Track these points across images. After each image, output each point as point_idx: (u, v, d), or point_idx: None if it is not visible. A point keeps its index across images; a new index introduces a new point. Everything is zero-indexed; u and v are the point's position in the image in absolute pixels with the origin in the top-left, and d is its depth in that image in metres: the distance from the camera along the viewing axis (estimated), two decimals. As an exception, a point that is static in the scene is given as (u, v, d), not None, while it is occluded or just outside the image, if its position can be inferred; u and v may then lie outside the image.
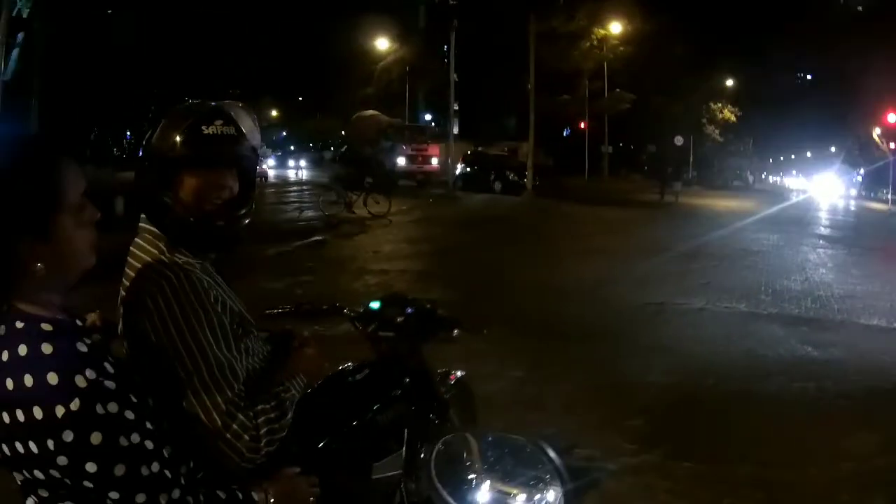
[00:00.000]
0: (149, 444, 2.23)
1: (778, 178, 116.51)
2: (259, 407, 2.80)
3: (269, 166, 63.39)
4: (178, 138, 2.89)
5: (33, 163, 2.18)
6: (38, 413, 2.08)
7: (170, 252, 2.88)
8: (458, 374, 5.05)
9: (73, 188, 2.22)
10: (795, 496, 6.64)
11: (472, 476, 3.38)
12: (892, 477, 7.10)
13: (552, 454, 3.43)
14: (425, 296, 4.69)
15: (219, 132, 2.93)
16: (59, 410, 2.07)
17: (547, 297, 15.21)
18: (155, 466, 2.24)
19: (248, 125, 3.06)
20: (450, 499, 3.17)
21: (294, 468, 2.99)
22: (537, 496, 3.32)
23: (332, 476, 3.35)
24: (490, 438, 3.67)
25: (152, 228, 2.94)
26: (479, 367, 8.16)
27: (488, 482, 3.34)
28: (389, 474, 3.93)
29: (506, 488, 3.31)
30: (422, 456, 3.48)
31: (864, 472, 7.15)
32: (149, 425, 2.26)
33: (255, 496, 2.63)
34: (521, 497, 3.28)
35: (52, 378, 2.09)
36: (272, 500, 2.71)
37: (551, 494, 3.31)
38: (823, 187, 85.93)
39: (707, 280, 18.36)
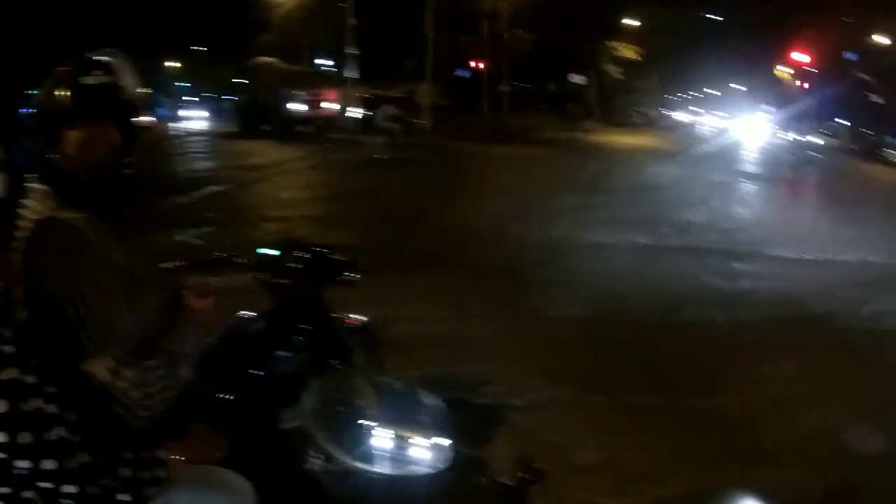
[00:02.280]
0: (51, 409, 2.23)
1: (683, 115, 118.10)
2: (149, 363, 2.70)
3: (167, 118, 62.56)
4: (57, 92, 2.86)
5: None
6: None
7: (59, 209, 2.81)
8: (361, 318, 4.98)
9: None
10: (715, 423, 6.68)
11: (364, 420, 3.32)
12: (812, 403, 7.19)
13: (439, 401, 3.40)
14: (325, 241, 4.57)
15: (97, 82, 2.87)
16: None
17: (450, 237, 15.20)
18: (60, 431, 2.25)
19: (126, 74, 2.99)
20: (327, 444, 3.13)
21: (201, 425, 3.11)
22: (435, 442, 3.26)
23: (240, 429, 3.42)
24: (376, 381, 3.62)
25: (41, 187, 2.88)
26: (385, 309, 8.09)
27: (373, 426, 3.29)
28: (298, 424, 3.86)
29: (401, 434, 3.25)
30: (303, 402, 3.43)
31: (782, 398, 7.25)
32: (51, 389, 2.25)
33: (163, 455, 2.67)
34: (419, 443, 3.22)
35: None
36: (181, 459, 2.79)
37: (436, 438, 3.27)
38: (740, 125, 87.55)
39: (608, 214, 18.47)
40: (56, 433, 2.22)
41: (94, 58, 2.97)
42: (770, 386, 7.58)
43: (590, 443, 6.23)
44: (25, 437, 2.14)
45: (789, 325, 9.76)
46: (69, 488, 2.27)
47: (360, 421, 3.27)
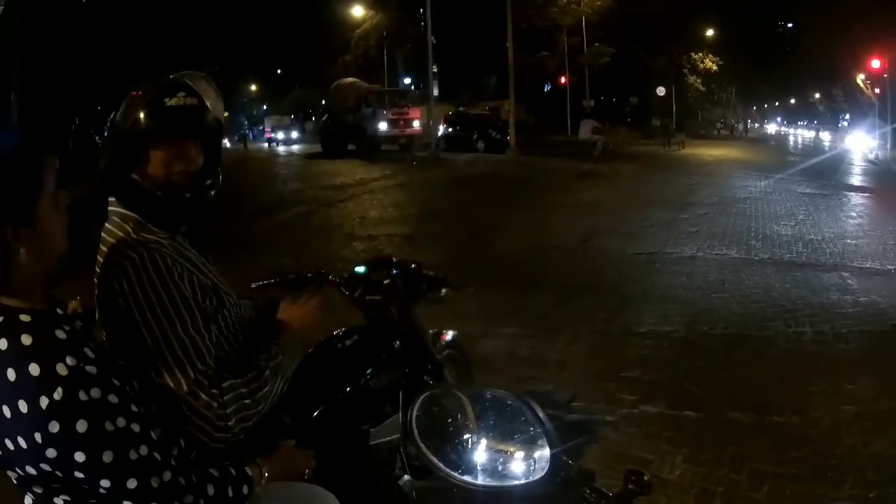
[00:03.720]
0: (135, 428, 2.20)
1: (762, 126, 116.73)
2: (227, 384, 2.72)
3: (252, 140, 63.35)
4: (141, 113, 2.85)
5: (15, 154, 2.22)
6: (23, 407, 2.06)
7: (136, 231, 2.84)
8: (450, 333, 5.00)
9: (50, 176, 2.25)
10: (799, 440, 6.55)
11: (458, 433, 3.32)
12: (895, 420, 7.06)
13: (538, 411, 3.38)
14: (415, 258, 4.60)
15: (181, 104, 2.88)
16: (44, 401, 2.05)
17: (537, 253, 15.24)
18: (143, 450, 2.21)
19: (210, 96, 3.01)
20: (431, 456, 3.12)
21: (289, 441, 2.98)
22: (525, 452, 3.25)
23: (329, 445, 3.32)
24: (473, 393, 3.62)
25: (120, 210, 2.90)
26: (474, 326, 8.12)
27: (475, 439, 3.29)
28: (388, 439, 3.88)
29: (493, 444, 3.25)
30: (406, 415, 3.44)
31: (866, 414, 7.09)
32: (134, 408, 2.23)
33: (250, 472, 2.62)
34: (519, 455, 3.21)
35: (34, 369, 2.06)
36: (267, 475, 2.71)
37: (541, 450, 3.25)
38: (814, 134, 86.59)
39: (696, 228, 18.35)
40: (139, 452, 2.21)
41: (179, 79, 2.98)
42: (856, 401, 7.45)
43: (677, 458, 6.19)
44: (108, 457, 2.14)
45: (876, 340, 9.56)
46: None
47: (461, 433, 3.28)
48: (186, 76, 3.01)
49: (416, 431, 3.15)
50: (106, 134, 3.00)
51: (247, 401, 2.75)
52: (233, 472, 2.56)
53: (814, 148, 69.96)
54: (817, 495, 5.64)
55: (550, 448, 3.13)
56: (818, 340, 9.50)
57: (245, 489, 2.57)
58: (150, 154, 2.88)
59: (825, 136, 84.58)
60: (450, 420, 3.35)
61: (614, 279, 12.97)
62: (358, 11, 69.59)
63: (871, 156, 51.91)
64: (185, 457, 2.48)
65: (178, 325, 2.69)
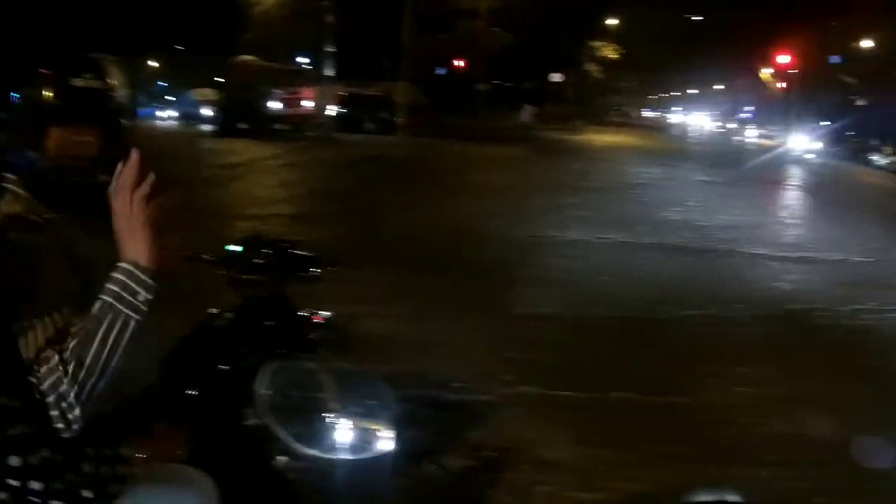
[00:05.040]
0: (14, 403, 2.16)
1: (659, 113, 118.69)
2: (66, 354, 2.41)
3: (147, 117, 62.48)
4: (45, 91, 2.83)
5: None
6: None
7: (26, 211, 2.74)
8: (326, 314, 4.96)
9: None
10: (688, 421, 6.67)
11: (315, 408, 3.32)
12: (789, 403, 7.18)
13: (386, 387, 3.43)
14: (299, 238, 4.56)
15: (86, 85, 2.85)
16: None
17: (424, 236, 15.20)
18: (24, 426, 2.16)
19: (118, 81, 2.97)
20: (282, 433, 3.13)
21: (163, 422, 2.98)
22: (383, 428, 3.29)
23: (203, 425, 3.32)
24: (325, 367, 3.63)
25: (15, 189, 2.80)
26: (359, 307, 8.08)
27: (333, 415, 3.30)
28: (259, 419, 3.85)
29: (350, 421, 3.27)
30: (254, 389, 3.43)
31: (760, 397, 7.25)
32: (11, 384, 2.18)
33: (125, 453, 2.53)
34: (367, 429, 3.25)
35: None
36: (143, 456, 2.65)
37: (385, 424, 3.31)
38: (701, 122, 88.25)
39: (586, 213, 18.53)
40: (18, 429, 2.15)
41: (85, 59, 2.95)
42: (748, 384, 7.58)
43: (558, 438, 6.21)
44: None
45: (769, 325, 9.76)
46: (35, 485, 2.18)
47: (313, 407, 3.29)
48: (97, 57, 2.99)
49: (268, 409, 3.14)
50: (14, 111, 3.00)
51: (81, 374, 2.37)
52: (108, 452, 2.46)
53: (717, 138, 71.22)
54: (706, 474, 5.64)
55: (395, 424, 3.17)
56: (707, 323, 9.75)
57: (120, 469, 2.48)
58: (51, 133, 2.81)
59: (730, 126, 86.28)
60: (303, 394, 3.36)
61: (502, 262, 12.99)
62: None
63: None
64: (60, 437, 2.34)
65: (38, 309, 2.54)
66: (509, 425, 6.43)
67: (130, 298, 2.38)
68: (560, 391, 7.23)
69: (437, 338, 8.67)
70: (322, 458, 3.13)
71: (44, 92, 2.83)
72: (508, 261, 13.08)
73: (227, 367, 3.76)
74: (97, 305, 2.40)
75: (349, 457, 3.18)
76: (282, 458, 3.88)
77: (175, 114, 64.61)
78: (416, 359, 7.77)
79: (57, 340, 2.48)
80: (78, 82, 2.84)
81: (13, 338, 2.45)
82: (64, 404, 2.38)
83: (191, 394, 3.55)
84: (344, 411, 3.24)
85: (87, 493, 2.33)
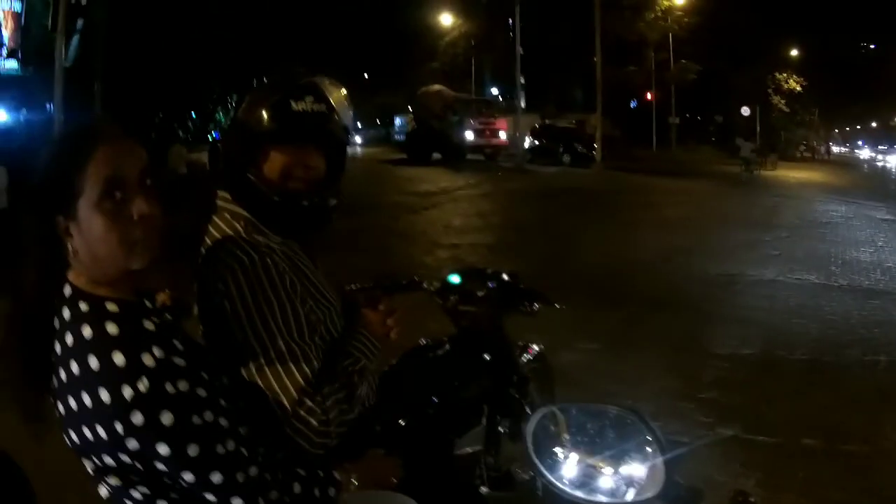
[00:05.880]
0: (223, 422, 2.19)
1: (845, 149, 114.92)
2: (326, 389, 2.66)
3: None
4: (265, 113, 2.80)
5: (65, 146, 2.16)
6: (104, 396, 2.03)
7: (247, 232, 2.78)
8: (537, 347, 5.01)
9: (96, 176, 2.12)
10: (869, 469, 6.61)
11: (560, 449, 3.37)
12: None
13: (655, 429, 3.41)
14: (504, 268, 4.64)
15: (309, 109, 2.81)
16: (127, 391, 2.02)
17: (620, 269, 15.31)
18: (230, 444, 2.20)
19: (339, 103, 2.93)
20: (547, 473, 3.16)
21: (378, 449, 2.96)
22: (623, 469, 3.31)
23: (415, 454, 3.31)
24: (574, 410, 3.64)
25: (232, 207, 2.84)
26: (555, 339, 8.17)
27: (576, 456, 3.33)
28: (469, 450, 3.94)
29: (594, 462, 3.29)
30: (522, 430, 3.47)
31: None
32: (223, 402, 2.23)
33: (338, 476, 2.61)
34: (609, 471, 3.27)
35: (118, 358, 2.05)
36: (354, 481, 2.69)
37: (636, 468, 3.30)
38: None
39: (778, 251, 18.23)
40: (226, 446, 2.18)
41: (309, 83, 2.90)
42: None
43: (749, 482, 6.20)
44: (193, 450, 2.10)
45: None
46: (236, 501, 2.24)
47: (558, 449, 3.34)
48: (316, 79, 2.95)
49: (531, 448, 3.22)
50: (228, 129, 3.05)
51: (344, 406, 2.70)
52: (320, 473, 2.53)
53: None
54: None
55: (661, 454, 3.20)
56: (893, 369, 9.45)
57: (332, 491, 2.55)
58: (271, 155, 2.83)
59: None
60: (548, 435, 3.42)
61: (692, 298, 13.01)
62: (447, 19, 69.70)
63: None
64: (272, 457, 2.40)
65: (285, 333, 2.64)
66: (706, 466, 6.45)
67: (370, 354, 2.97)
68: (753, 435, 7.22)
69: (632, 373, 8.81)
70: (585, 500, 3.14)
71: (265, 113, 2.80)
72: (698, 297, 13.16)
73: (443, 399, 3.86)
74: (348, 352, 2.91)
75: (608, 500, 3.20)
76: (486, 490, 4.01)
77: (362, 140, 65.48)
78: (613, 393, 7.80)
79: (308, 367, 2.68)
80: (299, 106, 2.80)
81: (232, 361, 2.62)
82: (321, 426, 2.64)
83: (405, 422, 3.62)
84: (608, 455, 3.29)
85: None
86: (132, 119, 33.63)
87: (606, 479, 3.30)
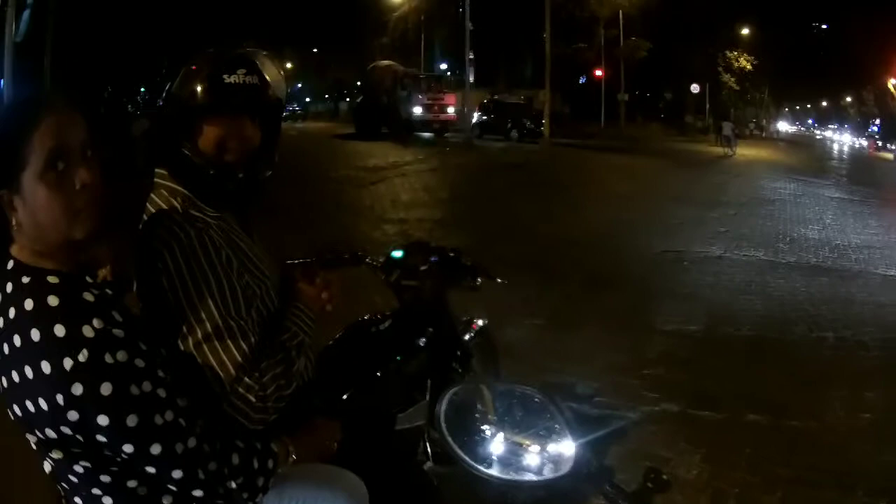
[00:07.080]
0: (161, 393, 2.20)
1: (795, 127, 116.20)
2: (264, 365, 2.67)
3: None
4: (199, 86, 2.78)
5: (9, 120, 2.19)
6: (45, 367, 2.06)
7: (184, 207, 2.77)
8: (481, 322, 4.98)
9: (41, 148, 2.14)
10: (815, 445, 6.60)
11: (484, 427, 3.35)
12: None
13: (561, 406, 3.41)
14: (446, 243, 4.60)
15: (241, 81, 2.80)
16: (68, 363, 2.04)
17: (566, 245, 15.30)
18: (169, 415, 2.21)
19: (272, 75, 2.91)
20: (458, 451, 3.15)
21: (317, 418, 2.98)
22: (550, 447, 3.30)
23: (357, 429, 3.30)
24: (501, 389, 3.62)
25: (169, 184, 2.83)
26: (500, 315, 8.15)
27: (501, 433, 3.31)
28: (413, 425, 3.91)
29: (518, 439, 3.28)
30: (434, 407, 3.44)
31: (883, 423, 7.13)
32: (161, 374, 2.23)
33: (276, 447, 2.63)
34: (535, 448, 3.26)
35: (59, 330, 2.07)
36: (294, 455, 2.73)
37: (564, 446, 3.28)
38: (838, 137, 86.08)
39: (725, 228, 18.36)
40: (164, 417, 2.19)
41: (240, 55, 2.88)
42: (872, 409, 7.46)
43: (695, 458, 6.21)
44: (132, 420, 2.11)
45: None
46: (176, 473, 2.26)
47: (485, 426, 3.31)
48: (249, 52, 2.93)
49: (443, 425, 3.19)
50: (160, 103, 2.96)
51: (282, 381, 2.70)
52: (258, 445, 2.55)
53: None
54: (827, 499, 5.71)
55: (574, 444, 3.18)
56: (839, 346, 9.53)
57: (270, 463, 2.57)
58: (204, 129, 2.82)
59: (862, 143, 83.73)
60: (475, 414, 3.40)
61: (639, 275, 13.06)
62: (397, -6, 69.70)
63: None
64: (211, 427, 2.41)
65: (222, 309, 2.64)
66: (652, 443, 6.47)
67: (307, 328, 2.95)
68: (698, 411, 7.24)
69: (577, 349, 8.78)
70: (505, 479, 3.13)
71: (199, 87, 2.78)
72: (644, 273, 13.24)
73: (385, 373, 3.82)
74: (286, 327, 2.89)
75: (532, 478, 3.19)
76: (430, 465, 3.97)
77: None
78: (557, 370, 7.84)
79: (245, 342, 2.66)
80: (231, 78, 2.78)
81: (169, 333, 2.60)
82: (259, 402, 2.64)
83: (346, 396, 3.61)
84: (526, 434, 3.27)
85: (232, 485, 2.44)
86: (81, 93, 33.32)
87: (533, 456, 3.29)
